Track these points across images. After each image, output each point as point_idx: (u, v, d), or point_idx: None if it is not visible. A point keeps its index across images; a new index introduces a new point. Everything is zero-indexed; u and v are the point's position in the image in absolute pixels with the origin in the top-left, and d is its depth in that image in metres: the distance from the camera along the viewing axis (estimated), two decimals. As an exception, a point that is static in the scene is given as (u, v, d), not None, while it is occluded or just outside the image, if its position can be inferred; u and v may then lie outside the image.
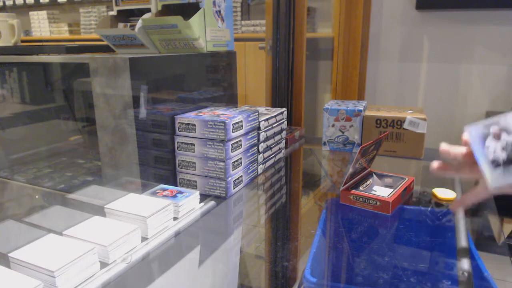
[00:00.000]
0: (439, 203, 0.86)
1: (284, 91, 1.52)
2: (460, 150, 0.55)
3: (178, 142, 0.89)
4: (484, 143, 0.52)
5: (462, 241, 0.68)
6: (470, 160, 0.54)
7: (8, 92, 1.23)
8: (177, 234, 0.72)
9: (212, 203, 0.85)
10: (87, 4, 3.34)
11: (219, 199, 0.87)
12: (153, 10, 1.01)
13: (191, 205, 0.79)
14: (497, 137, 0.51)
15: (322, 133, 1.25)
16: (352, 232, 0.76)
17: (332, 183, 1.04)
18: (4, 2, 3.55)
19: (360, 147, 0.78)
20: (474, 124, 0.54)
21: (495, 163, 0.50)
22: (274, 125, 1.08)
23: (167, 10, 1.01)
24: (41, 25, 3.50)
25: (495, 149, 0.51)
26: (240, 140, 0.90)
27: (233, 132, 0.86)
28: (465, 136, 0.53)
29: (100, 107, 0.87)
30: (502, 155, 0.50)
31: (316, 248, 0.67)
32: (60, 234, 0.62)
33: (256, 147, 0.99)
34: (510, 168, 0.50)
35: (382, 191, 0.83)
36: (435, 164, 0.59)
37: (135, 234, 0.65)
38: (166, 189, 0.81)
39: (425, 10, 2.10)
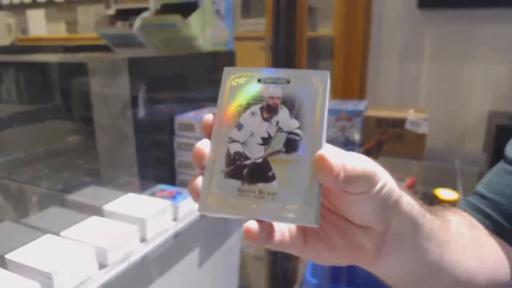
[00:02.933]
0: (441, 204, 0.86)
1: (284, 90, 1.52)
2: None
3: (177, 142, 0.88)
4: None
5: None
6: None
7: (5, 92, 1.22)
8: (177, 235, 0.71)
9: (211, 203, 0.84)
10: (85, 3, 3.33)
11: (219, 199, 0.86)
12: (152, 9, 1.00)
13: (190, 206, 0.78)
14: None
15: (323, 133, 1.25)
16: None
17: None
18: (1, 1, 3.54)
19: (362, 149, 0.78)
20: None
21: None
22: (274, 125, 1.07)
23: (166, 9, 1.01)
24: (39, 24, 3.49)
25: None
26: (240, 140, 0.89)
27: (233, 132, 0.85)
28: None
29: (99, 107, 0.86)
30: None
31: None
32: (58, 235, 0.61)
33: (256, 147, 0.98)
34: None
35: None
36: None
37: (134, 235, 0.64)
38: (165, 190, 0.80)
39: (427, 8, 2.09)
